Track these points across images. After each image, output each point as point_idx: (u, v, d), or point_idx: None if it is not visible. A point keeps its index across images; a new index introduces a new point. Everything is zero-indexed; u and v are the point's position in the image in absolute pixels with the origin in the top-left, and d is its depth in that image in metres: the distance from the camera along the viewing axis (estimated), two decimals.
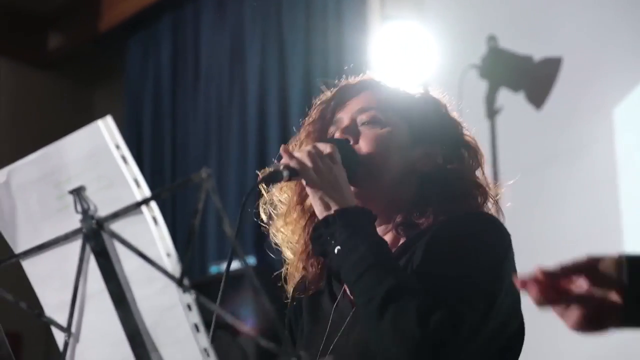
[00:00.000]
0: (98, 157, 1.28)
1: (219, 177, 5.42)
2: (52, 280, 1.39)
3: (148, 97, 6.17)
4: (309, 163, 1.77)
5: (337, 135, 1.94)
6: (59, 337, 1.41)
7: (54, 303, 1.40)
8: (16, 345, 5.90)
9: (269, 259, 5.44)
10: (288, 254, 2.02)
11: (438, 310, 1.62)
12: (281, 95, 5.23)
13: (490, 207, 2.00)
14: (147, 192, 1.26)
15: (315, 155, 1.78)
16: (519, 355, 1.89)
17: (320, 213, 1.79)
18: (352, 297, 1.84)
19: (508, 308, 1.78)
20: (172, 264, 1.25)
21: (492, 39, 4.09)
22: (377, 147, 1.90)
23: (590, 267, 1.30)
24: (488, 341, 1.74)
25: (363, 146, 1.91)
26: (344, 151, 1.85)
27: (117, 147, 1.26)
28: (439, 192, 1.90)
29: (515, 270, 1.82)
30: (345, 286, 1.89)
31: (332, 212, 1.76)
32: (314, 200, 1.79)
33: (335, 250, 1.73)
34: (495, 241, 1.83)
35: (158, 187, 1.42)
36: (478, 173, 2.00)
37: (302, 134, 2.03)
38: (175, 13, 6.12)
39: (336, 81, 2.10)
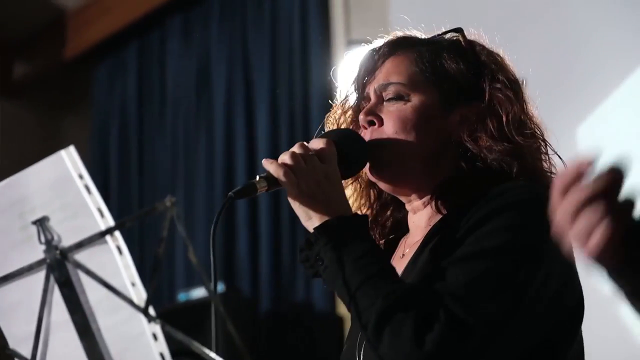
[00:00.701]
0: (61, 187, 1.27)
1: (187, 203, 5.41)
2: (16, 311, 1.38)
3: (115, 124, 6.15)
4: (289, 167, 1.66)
5: (360, 119, 1.84)
6: None
7: (19, 335, 1.39)
8: None
9: (237, 284, 5.41)
10: None
11: (436, 324, 1.50)
12: (248, 120, 5.24)
13: (540, 157, 1.83)
14: (111, 221, 1.26)
15: (298, 157, 1.68)
16: (575, 337, 1.73)
17: (305, 224, 1.68)
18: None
19: (545, 302, 1.63)
20: (137, 294, 1.25)
21: None
22: (404, 126, 1.78)
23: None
24: (523, 334, 1.60)
25: (388, 127, 1.80)
26: (345, 142, 1.76)
27: (81, 176, 1.26)
28: (477, 166, 1.77)
29: (561, 259, 1.57)
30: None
31: (312, 230, 1.65)
32: (297, 211, 1.69)
33: (324, 272, 1.63)
34: (530, 222, 1.63)
35: (125, 214, 1.42)
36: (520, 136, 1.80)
37: (337, 110, 1.95)
38: (141, 39, 6.11)
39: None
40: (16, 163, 1.67)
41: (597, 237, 1.08)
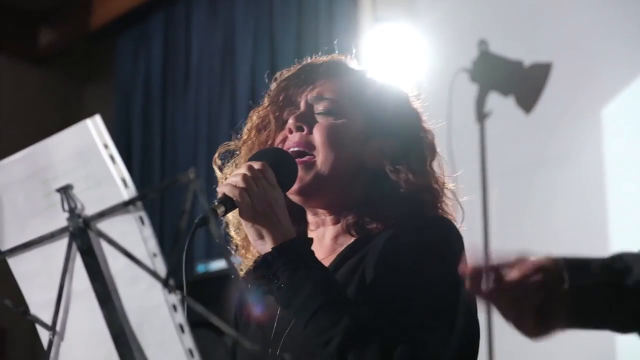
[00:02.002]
0: (86, 156, 1.27)
1: (209, 175, 5.41)
2: (37, 278, 1.39)
3: (138, 95, 6.16)
4: (243, 189, 1.71)
5: (290, 120, 1.90)
6: (44, 335, 1.40)
7: (39, 301, 1.40)
8: (1, 341, 5.89)
9: None
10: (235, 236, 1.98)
11: (399, 346, 1.60)
12: None
13: (447, 203, 1.96)
14: (134, 191, 1.26)
15: (250, 179, 1.73)
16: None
17: (254, 242, 1.75)
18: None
19: (472, 313, 1.75)
20: (158, 264, 1.25)
21: (483, 43, 4.08)
22: (330, 140, 1.86)
23: (530, 266, 1.30)
24: (458, 353, 1.72)
25: (315, 137, 1.87)
26: (278, 164, 1.81)
27: (106, 146, 1.26)
28: (389, 194, 1.86)
29: None
30: None
31: (267, 244, 1.71)
32: (248, 231, 1.75)
33: (280, 290, 1.69)
34: (451, 254, 1.75)
35: (147, 185, 1.42)
36: (434, 167, 1.95)
37: (261, 112, 2.00)
38: (166, 11, 6.10)
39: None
40: (38, 131, 1.68)
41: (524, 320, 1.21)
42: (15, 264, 1.41)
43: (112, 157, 1.26)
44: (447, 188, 1.96)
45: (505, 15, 4.17)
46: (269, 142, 1.95)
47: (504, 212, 4.04)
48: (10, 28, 6.55)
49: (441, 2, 4.57)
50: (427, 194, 1.90)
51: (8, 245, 1.39)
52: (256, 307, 1.89)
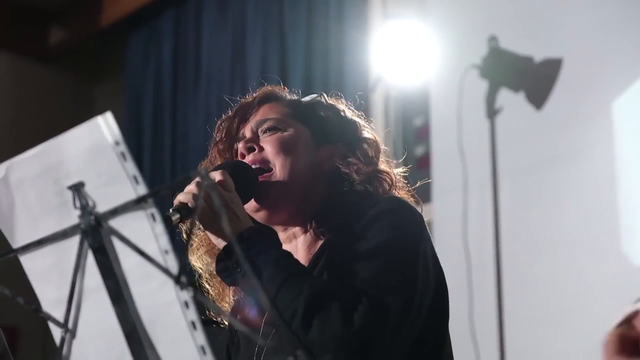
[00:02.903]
0: (97, 154, 1.28)
1: None
2: (49, 275, 1.39)
3: (149, 92, 6.17)
4: (197, 194, 1.75)
5: (240, 147, 1.97)
6: (56, 333, 1.41)
7: (51, 298, 1.40)
8: (13, 338, 5.91)
9: None
10: (209, 287, 2.02)
11: (360, 305, 1.64)
12: None
13: (400, 187, 2.03)
14: (145, 189, 1.26)
15: (203, 186, 1.74)
16: (447, 322, 1.90)
17: (218, 243, 1.80)
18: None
19: (432, 285, 1.81)
20: (170, 262, 1.25)
21: (493, 39, 4.09)
22: (282, 148, 1.94)
23: None
24: (418, 322, 1.76)
25: (267, 150, 1.94)
26: (237, 171, 1.86)
27: (117, 143, 1.26)
28: (347, 190, 1.94)
29: (432, 248, 1.85)
30: None
31: (227, 240, 1.76)
32: (210, 235, 1.81)
33: (245, 277, 1.73)
34: (407, 223, 1.84)
35: (157, 183, 1.42)
36: (381, 162, 2.03)
37: (212, 153, 2.08)
38: (177, 9, 6.12)
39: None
40: (49, 129, 1.68)
41: None
42: (28, 261, 1.41)
43: (123, 155, 1.26)
44: (397, 173, 2.04)
45: (515, 11, 4.17)
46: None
47: (515, 208, 4.05)
48: (21, 26, 6.57)
49: None
50: (380, 180, 1.97)
51: (20, 242, 1.40)
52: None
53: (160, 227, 1.26)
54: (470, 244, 3.96)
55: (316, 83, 5.05)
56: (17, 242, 1.41)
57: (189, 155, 5.80)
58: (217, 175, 1.80)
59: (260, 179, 1.92)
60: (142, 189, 1.26)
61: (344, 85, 4.86)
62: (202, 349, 1.24)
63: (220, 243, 1.79)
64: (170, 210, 1.75)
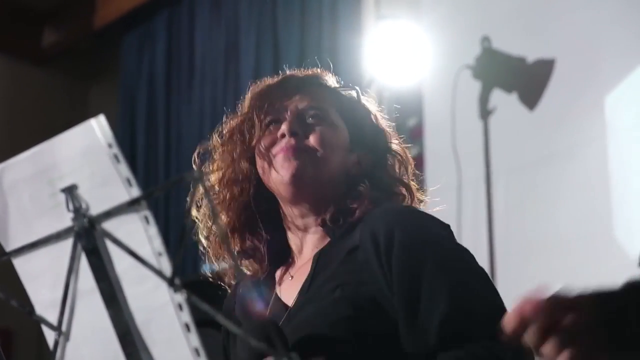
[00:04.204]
0: (91, 156, 1.28)
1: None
2: (43, 278, 1.39)
3: (142, 93, 6.17)
4: None
5: (284, 127, 1.93)
6: (50, 336, 1.41)
7: (45, 301, 1.40)
8: (7, 341, 5.90)
9: None
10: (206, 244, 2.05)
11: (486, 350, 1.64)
12: None
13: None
14: (139, 191, 1.26)
15: None
16: None
17: None
18: (284, 301, 1.86)
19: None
20: (163, 263, 1.25)
21: (485, 39, 4.09)
22: (326, 144, 1.92)
23: (560, 303, 1.29)
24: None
25: (312, 140, 1.92)
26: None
27: (110, 146, 1.26)
28: (365, 187, 1.92)
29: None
30: (277, 291, 1.91)
31: None
32: None
33: None
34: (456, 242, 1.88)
35: (151, 184, 1.42)
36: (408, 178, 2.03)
37: (246, 114, 2.05)
38: (170, 9, 6.12)
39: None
40: (44, 130, 1.68)
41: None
42: (21, 264, 1.41)
43: (116, 157, 1.26)
44: (419, 199, 2.03)
45: (508, 12, 4.18)
46: (253, 144, 1.98)
47: (509, 208, 4.05)
48: (14, 28, 6.56)
49: None
50: (403, 188, 1.99)
51: (13, 245, 1.40)
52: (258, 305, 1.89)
53: (153, 229, 1.26)
54: (464, 243, 3.95)
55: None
56: (10, 244, 1.41)
57: (183, 155, 5.80)
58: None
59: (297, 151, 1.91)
60: (135, 191, 1.26)
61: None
62: (197, 351, 1.24)
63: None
64: None
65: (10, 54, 6.58)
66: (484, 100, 4.06)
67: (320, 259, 1.88)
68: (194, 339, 1.24)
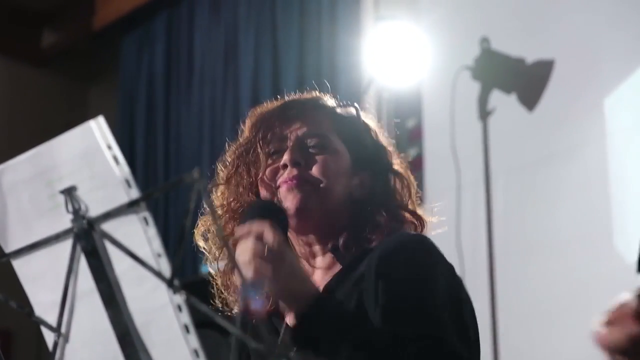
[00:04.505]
0: (90, 157, 1.28)
1: (212, 175, 5.42)
2: (42, 279, 1.39)
3: (142, 95, 6.17)
4: (257, 267, 1.64)
5: (286, 156, 1.92)
6: (49, 337, 1.41)
7: (44, 302, 1.40)
8: (6, 342, 5.90)
9: None
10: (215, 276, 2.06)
11: (421, 343, 1.64)
12: (274, 94, 5.22)
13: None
14: (138, 192, 1.26)
15: (260, 254, 1.65)
16: None
17: (282, 308, 1.82)
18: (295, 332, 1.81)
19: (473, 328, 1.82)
20: (162, 265, 1.25)
21: (485, 40, 4.10)
22: (328, 173, 1.91)
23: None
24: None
25: (315, 171, 1.91)
26: (277, 216, 1.77)
27: (109, 147, 1.26)
28: (385, 218, 1.92)
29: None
30: (287, 321, 1.89)
31: (301, 310, 1.70)
32: (280, 298, 1.79)
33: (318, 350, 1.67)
34: (442, 264, 1.83)
35: (150, 185, 1.42)
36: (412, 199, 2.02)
37: (244, 143, 2.03)
38: (170, 10, 6.12)
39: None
40: (43, 132, 1.68)
41: None
42: (20, 265, 1.41)
43: (115, 158, 1.26)
44: (424, 219, 2.02)
45: (507, 13, 4.18)
46: (259, 176, 1.97)
47: (508, 208, 4.05)
48: (13, 29, 6.56)
49: (443, 0, 4.58)
50: (413, 220, 1.98)
51: (12, 247, 1.40)
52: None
53: (153, 231, 1.26)
54: (463, 244, 3.96)
55: (308, 85, 5.05)
56: (9, 246, 1.41)
57: (182, 156, 5.81)
58: (269, 236, 1.65)
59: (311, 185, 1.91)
60: (134, 193, 1.26)
61: (336, 87, 4.83)
62: (196, 352, 1.24)
63: (286, 310, 1.80)
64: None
65: (9, 55, 6.58)
66: (483, 101, 4.06)
67: (329, 290, 1.88)
68: (193, 340, 1.25)
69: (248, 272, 1.61)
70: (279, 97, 2.11)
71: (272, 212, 1.80)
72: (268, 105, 2.07)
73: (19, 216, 1.38)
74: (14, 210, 1.39)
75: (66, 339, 1.38)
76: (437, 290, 1.75)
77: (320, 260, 1.95)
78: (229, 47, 5.67)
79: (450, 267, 1.85)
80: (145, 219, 1.26)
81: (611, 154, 3.68)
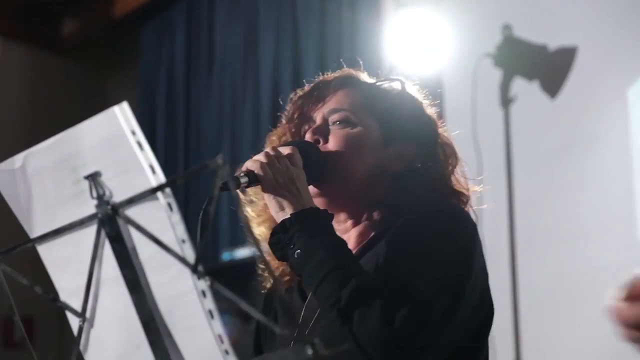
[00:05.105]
0: (114, 143, 1.28)
1: (233, 164, 5.41)
2: (67, 265, 1.39)
3: (162, 84, 6.18)
4: (265, 163, 1.78)
5: (307, 134, 1.97)
6: (74, 322, 1.41)
7: (69, 288, 1.41)
8: (29, 329, 5.93)
9: None
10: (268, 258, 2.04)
11: (403, 306, 1.62)
12: (295, 83, 5.23)
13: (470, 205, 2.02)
14: (162, 178, 1.26)
15: (272, 157, 1.80)
16: (487, 335, 1.88)
17: (275, 215, 1.80)
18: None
19: (478, 295, 1.80)
20: (186, 251, 1.25)
21: (507, 27, 4.07)
22: (346, 146, 1.92)
23: None
24: (459, 329, 1.74)
25: (332, 145, 1.93)
26: (307, 151, 1.88)
27: (133, 133, 1.26)
28: (412, 195, 1.91)
29: (483, 259, 1.85)
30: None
31: (288, 215, 1.76)
32: (270, 203, 1.80)
33: (295, 255, 1.73)
34: (461, 232, 1.81)
35: (171, 173, 1.41)
36: (456, 173, 2.02)
37: (280, 130, 2.06)
38: None
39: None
40: (63, 120, 1.68)
41: None
42: (45, 251, 1.42)
43: (139, 144, 1.26)
44: (468, 193, 2.02)
45: (529, 0, 4.15)
46: None
47: (530, 197, 4.04)
48: (34, 19, 6.58)
49: None
50: (454, 198, 1.97)
51: (37, 232, 1.40)
52: None
53: (176, 217, 1.26)
54: (484, 233, 3.93)
55: (330, 70, 5.05)
56: (34, 231, 1.41)
57: (203, 145, 5.81)
58: (286, 149, 1.83)
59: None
60: (159, 178, 1.26)
61: None
62: (220, 337, 1.24)
63: (279, 216, 1.79)
64: (241, 173, 1.78)
65: (29, 43, 6.60)
66: (504, 88, 4.04)
67: (359, 252, 1.89)
68: (217, 326, 1.25)
69: (251, 165, 1.78)
70: (300, 87, 2.12)
71: (304, 145, 1.91)
72: (304, 89, 2.08)
73: (44, 202, 1.38)
74: (38, 196, 1.39)
75: (91, 324, 1.39)
76: (451, 270, 1.75)
77: (355, 232, 1.96)
78: (249, 34, 5.66)
79: (483, 263, 1.84)
80: (169, 205, 1.26)
81: (634, 143, 3.65)
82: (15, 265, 1.40)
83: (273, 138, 2.06)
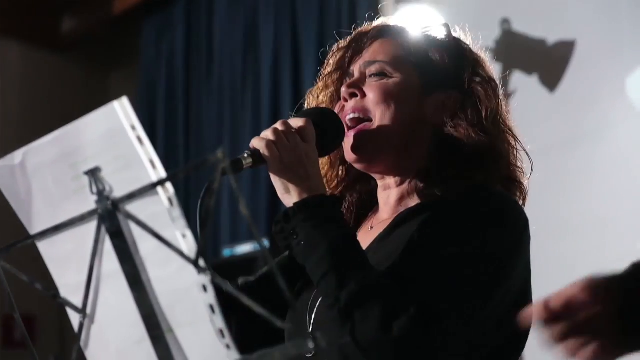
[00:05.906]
0: (114, 138, 1.27)
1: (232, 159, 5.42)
2: (67, 261, 1.39)
3: (162, 80, 6.17)
4: (272, 142, 1.72)
5: (342, 89, 1.91)
6: (74, 318, 1.41)
7: (70, 284, 1.41)
8: (29, 327, 5.93)
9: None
10: None
11: (404, 312, 1.55)
12: (294, 80, 5.22)
13: (517, 166, 1.96)
14: (162, 173, 1.26)
15: (280, 133, 1.74)
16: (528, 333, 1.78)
17: (282, 197, 1.74)
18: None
19: (516, 294, 1.74)
20: (187, 245, 1.25)
21: (505, 21, 4.07)
22: (384, 98, 1.85)
23: (588, 289, 1.27)
24: (485, 329, 1.68)
25: (370, 99, 1.87)
26: (324, 122, 1.83)
27: (133, 128, 1.26)
28: (452, 156, 1.83)
29: (528, 257, 1.77)
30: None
31: (293, 199, 1.70)
32: (276, 184, 1.74)
33: (299, 246, 1.67)
34: (508, 232, 1.75)
35: (171, 170, 1.39)
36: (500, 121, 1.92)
37: (320, 84, 2.01)
38: None
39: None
40: (63, 117, 1.68)
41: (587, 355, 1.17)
42: (45, 247, 1.42)
43: (139, 139, 1.26)
44: (515, 147, 1.95)
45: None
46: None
47: (531, 191, 4.02)
48: (33, 15, 6.56)
49: None
50: (488, 149, 1.85)
51: (37, 228, 1.40)
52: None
53: (177, 211, 1.26)
54: None
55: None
56: (34, 228, 1.41)
57: (202, 141, 5.81)
58: (299, 122, 1.76)
59: (359, 130, 1.86)
60: (159, 173, 1.26)
61: None
62: (221, 332, 1.24)
63: (285, 198, 1.73)
64: (245, 154, 1.72)
65: (29, 40, 6.59)
66: (504, 82, 4.03)
67: (399, 219, 1.82)
68: (219, 321, 1.24)
69: (257, 143, 1.71)
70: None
71: (320, 115, 1.85)
72: (341, 43, 2.04)
73: (44, 198, 1.38)
74: (38, 192, 1.39)
75: (92, 320, 1.39)
76: (489, 266, 1.67)
77: (396, 193, 1.90)
78: (248, 31, 5.66)
79: (527, 261, 1.78)
80: (169, 200, 1.26)
81: (636, 132, 3.65)
82: (16, 263, 1.40)
83: (313, 94, 2.01)
